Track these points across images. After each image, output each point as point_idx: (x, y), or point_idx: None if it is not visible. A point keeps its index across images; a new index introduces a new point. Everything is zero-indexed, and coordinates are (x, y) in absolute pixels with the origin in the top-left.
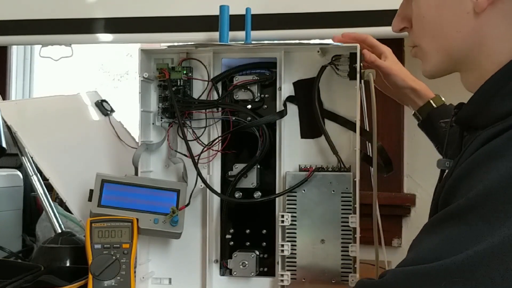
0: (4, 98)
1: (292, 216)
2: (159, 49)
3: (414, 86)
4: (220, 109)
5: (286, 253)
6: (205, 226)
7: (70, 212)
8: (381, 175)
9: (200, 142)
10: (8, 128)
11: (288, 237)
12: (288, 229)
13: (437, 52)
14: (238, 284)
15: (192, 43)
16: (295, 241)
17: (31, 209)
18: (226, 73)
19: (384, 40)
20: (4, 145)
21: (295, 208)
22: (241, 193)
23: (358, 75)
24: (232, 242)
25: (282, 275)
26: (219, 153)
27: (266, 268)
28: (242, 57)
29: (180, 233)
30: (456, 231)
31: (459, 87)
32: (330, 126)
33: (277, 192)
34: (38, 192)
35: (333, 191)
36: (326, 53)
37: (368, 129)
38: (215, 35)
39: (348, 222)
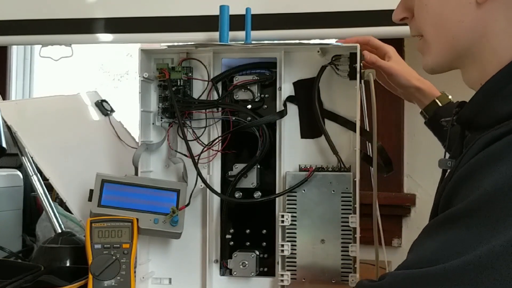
0: (4, 98)
1: (292, 216)
2: (159, 49)
3: (418, 85)
4: (220, 109)
5: (286, 253)
6: (205, 226)
7: (70, 212)
8: (381, 175)
9: (200, 142)
10: (8, 128)
11: (288, 237)
12: (288, 229)
13: (439, 43)
14: (238, 284)
15: (192, 43)
16: (295, 241)
17: (31, 209)
18: (226, 73)
19: (384, 40)
20: (4, 145)
21: (295, 208)
22: (241, 193)
23: (358, 75)
24: (232, 242)
25: (282, 275)
26: (219, 153)
27: (266, 268)
28: (242, 57)
29: (180, 233)
30: (456, 235)
31: (461, 85)
32: (330, 126)
33: (277, 192)
34: (38, 192)
35: (333, 191)
36: (326, 53)
37: (368, 129)
38: (215, 35)
39: (348, 222)
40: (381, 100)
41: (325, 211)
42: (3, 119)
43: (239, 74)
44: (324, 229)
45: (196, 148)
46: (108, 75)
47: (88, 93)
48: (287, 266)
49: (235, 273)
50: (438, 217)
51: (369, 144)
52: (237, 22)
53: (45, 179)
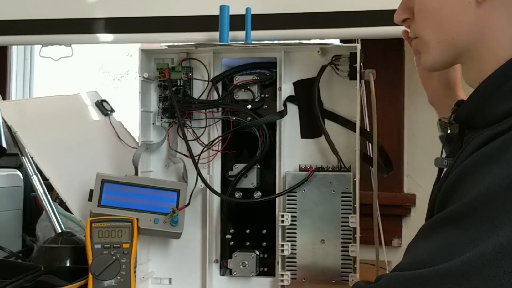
0: (4, 98)
1: (292, 216)
2: (159, 49)
3: (457, 92)
4: (220, 109)
5: (286, 253)
6: (205, 226)
7: (70, 212)
8: (381, 175)
9: (200, 142)
10: (8, 128)
11: (288, 237)
12: (288, 229)
13: (439, 42)
14: (238, 284)
15: (192, 43)
16: (295, 241)
17: (31, 209)
18: (226, 73)
19: (384, 40)
20: (4, 145)
21: (295, 208)
22: (241, 193)
23: (358, 75)
24: (232, 242)
25: (282, 275)
26: (219, 153)
27: (266, 268)
28: (242, 57)
29: (180, 233)
30: (450, 237)
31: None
32: (330, 126)
33: (277, 192)
34: (38, 192)
35: (333, 191)
36: (326, 53)
37: (368, 129)
38: (215, 35)
39: (348, 222)
40: (381, 100)
41: (325, 211)
42: (3, 119)
43: (239, 74)
44: (324, 229)
45: (196, 148)
46: (108, 75)
47: (88, 93)
48: (287, 266)
49: (235, 273)
50: (433, 218)
51: (369, 144)
52: (237, 22)
53: (45, 179)
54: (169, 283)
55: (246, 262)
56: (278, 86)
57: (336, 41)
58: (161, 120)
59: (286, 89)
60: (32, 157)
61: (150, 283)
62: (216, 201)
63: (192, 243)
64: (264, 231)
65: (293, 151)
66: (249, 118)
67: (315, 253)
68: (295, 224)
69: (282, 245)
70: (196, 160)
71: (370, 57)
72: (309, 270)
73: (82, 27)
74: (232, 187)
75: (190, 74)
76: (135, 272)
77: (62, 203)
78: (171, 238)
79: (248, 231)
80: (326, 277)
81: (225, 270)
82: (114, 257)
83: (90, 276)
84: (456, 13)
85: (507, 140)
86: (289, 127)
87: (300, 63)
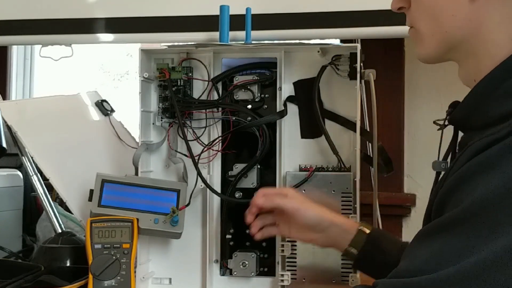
0: (4, 98)
1: None
2: (159, 49)
3: (333, 219)
4: (220, 109)
5: (286, 253)
6: (205, 226)
7: (70, 212)
8: (381, 175)
9: (200, 142)
10: (8, 128)
11: (288, 237)
12: None
13: (432, 35)
14: (238, 284)
15: (192, 43)
16: (295, 241)
17: (31, 209)
18: (226, 73)
19: (384, 40)
20: (4, 145)
21: None
22: (241, 193)
23: (358, 75)
24: (232, 242)
25: (282, 275)
26: (219, 153)
27: (266, 268)
28: (242, 57)
29: (180, 233)
30: (448, 243)
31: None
32: (330, 126)
33: None
34: (38, 192)
35: (333, 191)
36: (326, 53)
37: (368, 129)
38: (215, 35)
39: None
40: (381, 100)
41: None
42: (3, 119)
43: (239, 74)
44: None
45: (196, 148)
46: (108, 75)
47: (88, 93)
48: (287, 266)
49: (235, 273)
50: (430, 224)
51: (369, 144)
52: (237, 22)
53: (45, 179)
54: (169, 283)
55: (246, 262)
56: (278, 86)
57: (336, 41)
58: (161, 120)
59: (286, 89)
60: (32, 157)
61: (150, 283)
62: (216, 201)
63: (192, 243)
64: None
65: (293, 151)
66: (249, 118)
67: (315, 253)
68: None
69: (282, 245)
70: (196, 160)
71: (370, 57)
72: (309, 270)
73: (82, 27)
74: (232, 187)
75: (190, 74)
76: (135, 272)
77: (62, 203)
78: (171, 238)
79: (248, 231)
80: (326, 277)
81: (225, 270)
82: (114, 257)
83: (90, 276)
84: (450, 7)
85: (504, 147)
86: (289, 127)
87: (300, 63)
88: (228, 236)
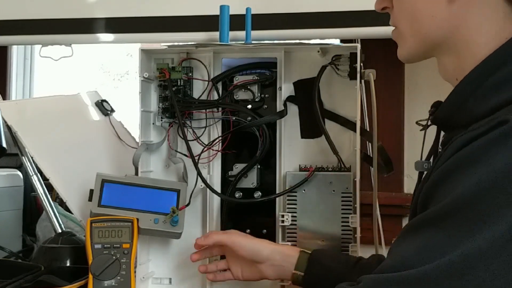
0: (4, 98)
1: (292, 216)
2: (159, 49)
3: (274, 246)
4: (220, 109)
5: None
6: (205, 226)
7: (70, 212)
8: (381, 175)
9: (200, 142)
10: (8, 128)
11: (288, 237)
12: (288, 229)
13: (412, 36)
14: (238, 284)
15: (192, 43)
16: (295, 241)
17: (31, 209)
18: (226, 73)
19: (384, 40)
20: (4, 145)
21: (295, 208)
22: (241, 193)
23: (358, 75)
24: None
25: None
26: (219, 153)
27: None
28: (242, 57)
29: (180, 233)
30: (431, 238)
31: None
32: (330, 126)
33: (277, 192)
34: (38, 192)
35: (333, 191)
36: (326, 53)
37: (368, 129)
38: (215, 35)
39: (348, 222)
40: (381, 100)
41: (325, 211)
42: (3, 119)
43: (239, 74)
44: (324, 229)
45: (196, 148)
46: (108, 75)
47: (88, 93)
48: None
49: None
50: (414, 219)
51: (369, 144)
52: (237, 22)
53: (45, 179)
54: (169, 283)
55: None
56: (278, 86)
57: (336, 41)
58: (161, 120)
59: (286, 89)
60: (32, 157)
61: (150, 283)
62: (216, 201)
63: (192, 243)
64: (264, 231)
65: (293, 151)
66: (249, 118)
67: None
68: (295, 224)
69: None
70: (196, 160)
71: (370, 57)
72: None
73: (82, 27)
74: (232, 187)
75: (190, 74)
76: (135, 272)
77: (62, 203)
78: (171, 238)
79: (248, 231)
80: None
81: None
82: (114, 257)
83: (90, 276)
84: (429, 8)
85: (488, 140)
86: (289, 127)
87: (300, 63)
88: None
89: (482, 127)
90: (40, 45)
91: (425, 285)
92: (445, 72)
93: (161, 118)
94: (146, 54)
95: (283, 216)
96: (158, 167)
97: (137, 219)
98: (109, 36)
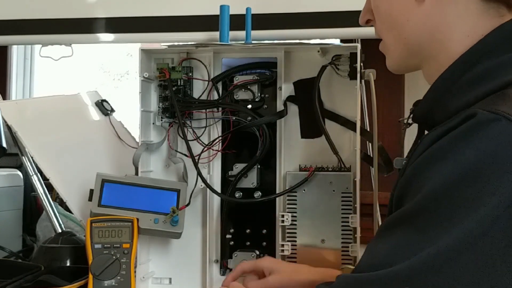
0: (4, 98)
1: (292, 216)
2: (159, 49)
3: (317, 269)
4: (220, 109)
5: (286, 253)
6: (205, 226)
7: (70, 212)
8: (381, 175)
9: (200, 142)
10: (8, 128)
11: (288, 237)
12: (288, 229)
13: (394, 44)
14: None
15: (192, 43)
16: (295, 241)
17: (31, 209)
18: (226, 73)
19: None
20: (4, 145)
21: (295, 208)
22: (241, 193)
23: (358, 75)
24: (232, 242)
25: None
26: (219, 153)
27: None
28: (242, 57)
29: (180, 233)
30: (405, 236)
31: None
32: (331, 126)
33: (277, 192)
34: (38, 192)
35: (334, 191)
36: (326, 53)
37: (368, 129)
38: (215, 35)
39: (348, 222)
40: (381, 100)
41: (325, 211)
42: (3, 119)
43: (239, 74)
44: (324, 229)
45: (196, 148)
46: (108, 75)
47: (88, 93)
48: None
49: None
50: (390, 217)
51: (370, 144)
52: (237, 22)
53: (45, 179)
54: (169, 283)
55: None
56: (278, 86)
57: (336, 41)
58: (161, 120)
59: (286, 89)
60: (32, 157)
61: (150, 283)
62: (216, 201)
63: (192, 243)
64: (264, 231)
65: (293, 151)
66: (249, 118)
67: (315, 254)
68: (295, 224)
69: (282, 245)
70: (196, 160)
71: (370, 57)
72: None
73: (82, 27)
74: (232, 187)
75: (190, 74)
76: (135, 272)
77: (62, 203)
78: (171, 238)
79: (248, 231)
80: None
81: (225, 270)
82: (114, 257)
83: (90, 276)
84: (402, 13)
85: (455, 136)
86: (289, 127)
87: (300, 63)
88: (228, 236)
89: (450, 123)
90: (40, 45)
91: (402, 283)
92: (428, 77)
93: (161, 118)
94: (146, 54)
95: (283, 216)
96: (158, 167)
97: (137, 219)
98: (109, 36)
